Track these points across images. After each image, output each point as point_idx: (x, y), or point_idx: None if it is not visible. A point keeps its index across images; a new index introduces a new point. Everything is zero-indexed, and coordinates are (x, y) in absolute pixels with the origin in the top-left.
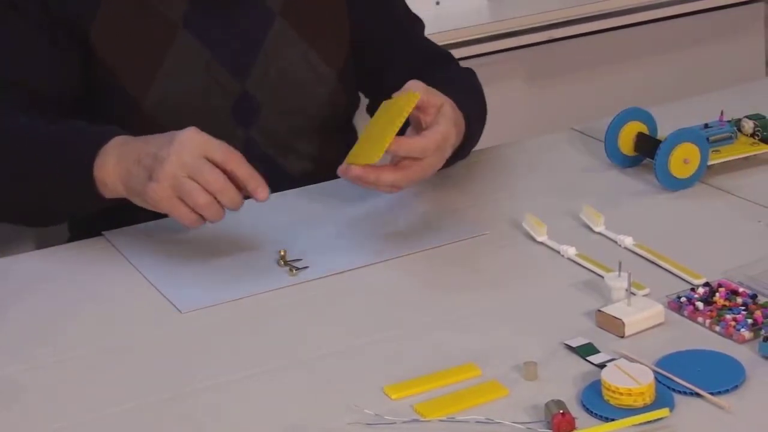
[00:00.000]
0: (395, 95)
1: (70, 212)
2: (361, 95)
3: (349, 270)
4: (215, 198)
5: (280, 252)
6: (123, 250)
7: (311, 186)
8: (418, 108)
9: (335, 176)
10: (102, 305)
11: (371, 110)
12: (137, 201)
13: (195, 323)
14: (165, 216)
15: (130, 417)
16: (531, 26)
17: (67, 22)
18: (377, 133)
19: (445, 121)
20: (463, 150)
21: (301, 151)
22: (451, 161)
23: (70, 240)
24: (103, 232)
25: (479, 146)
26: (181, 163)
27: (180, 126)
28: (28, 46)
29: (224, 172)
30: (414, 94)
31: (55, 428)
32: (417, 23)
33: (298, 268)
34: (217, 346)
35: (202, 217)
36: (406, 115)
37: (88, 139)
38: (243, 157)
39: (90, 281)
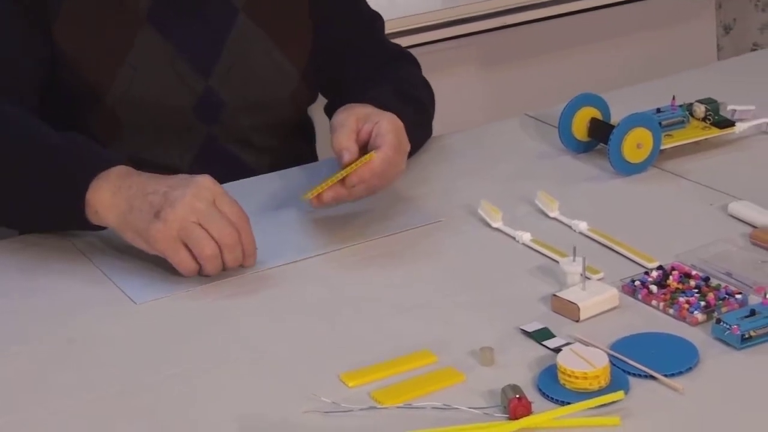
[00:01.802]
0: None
1: (47, 226)
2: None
3: (305, 259)
4: (220, 252)
5: None
6: (76, 242)
7: (266, 175)
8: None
9: (293, 167)
10: (55, 297)
11: (329, 111)
12: (129, 236)
13: (150, 314)
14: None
15: (84, 410)
16: (484, 12)
17: (33, 11)
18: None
19: (387, 145)
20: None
21: (261, 146)
22: None
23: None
24: None
25: (434, 133)
26: (194, 208)
27: (141, 121)
28: (7, 25)
29: None
30: (371, 155)
31: (4, 422)
32: (377, 21)
33: None
34: (172, 337)
35: (199, 268)
36: (352, 168)
37: (90, 159)
38: (249, 221)
39: (43, 273)
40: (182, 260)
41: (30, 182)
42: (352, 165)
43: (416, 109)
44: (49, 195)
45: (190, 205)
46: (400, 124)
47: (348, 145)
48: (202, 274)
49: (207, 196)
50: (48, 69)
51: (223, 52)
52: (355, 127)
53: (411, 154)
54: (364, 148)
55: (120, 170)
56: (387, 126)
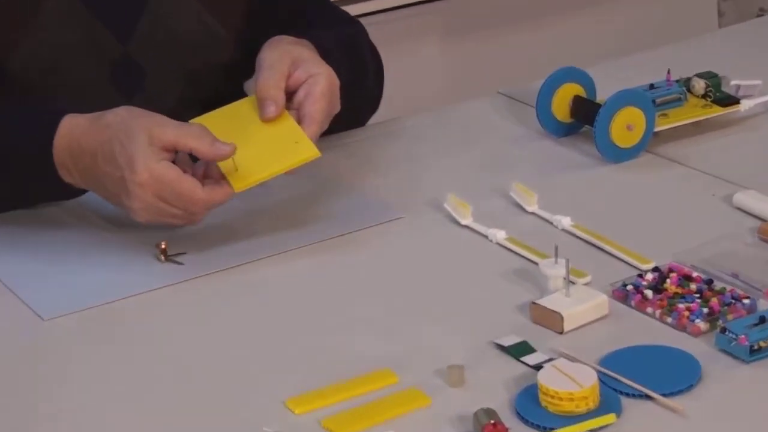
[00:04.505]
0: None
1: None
2: None
3: (244, 264)
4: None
5: (159, 245)
6: None
7: (199, 163)
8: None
9: None
10: None
11: None
12: None
13: (59, 332)
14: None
15: None
16: None
17: None
18: (255, 149)
19: (318, 122)
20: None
21: None
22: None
23: None
24: None
25: (390, 114)
26: (148, 214)
27: (51, 93)
28: None
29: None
30: (314, 152)
31: None
32: None
33: (182, 264)
34: (86, 357)
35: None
36: (293, 166)
37: (36, 138)
38: (196, 189)
39: None
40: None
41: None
42: (279, 163)
43: (357, 69)
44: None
45: (144, 213)
46: (336, 83)
47: (275, 95)
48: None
49: (148, 194)
50: None
51: (145, 12)
52: (287, 72)
53: (340, 119)
54: (292, 95)
55: (61, 143)
56: (323, 87)
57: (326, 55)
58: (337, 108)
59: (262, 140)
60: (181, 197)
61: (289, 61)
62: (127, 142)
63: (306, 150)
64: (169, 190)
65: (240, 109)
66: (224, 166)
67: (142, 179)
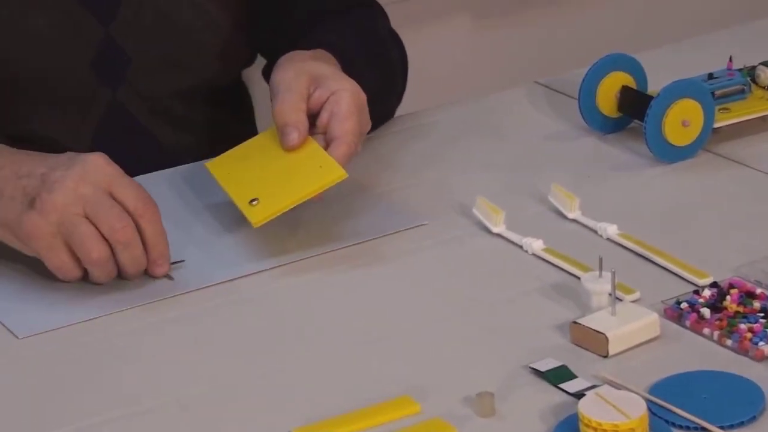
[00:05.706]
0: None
1: None
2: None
3: (243, 277)
4: (113, 252)
5: None
6: None
7: (196, 164)
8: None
9: (226, 150)
10: None
11: (268, 74)
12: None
13: (37, 352)
14: None
15: None
16: None
17: None
18: (274, 180)
19: (347, 143)
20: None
21: (182, 119)
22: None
23: None
24: None
25: (412, 106)
26: (79, 194)
27: (21, 83)
28: None
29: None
30: (340, 172)
31: None
32: None
33: (171, 279)
34: (66, 380)
35: (84, 273)
36: (316, 191)
37: None
38: (159, 211)
39: None
40: (62, 264)
41: None
42: (303, 189)
43: (383, 72)
44: None
45: (73, 190)
46: (363, 98)
47: (296, 120)
48: (91, 281)
49: (98, 178)
50: None
51: None
52: (306, 93)
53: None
54: (314, 118)
55: None
56: (348, 104)
57: (349, 66)
58: (368, 126)
59: (282, 170)
60: (132, 196)
61: (307, 80)
62: (78, 155)
63: (330, 172)
64: (122, 182)
65: (259, 143)
66: (240, 201)
67: (96, 159)
